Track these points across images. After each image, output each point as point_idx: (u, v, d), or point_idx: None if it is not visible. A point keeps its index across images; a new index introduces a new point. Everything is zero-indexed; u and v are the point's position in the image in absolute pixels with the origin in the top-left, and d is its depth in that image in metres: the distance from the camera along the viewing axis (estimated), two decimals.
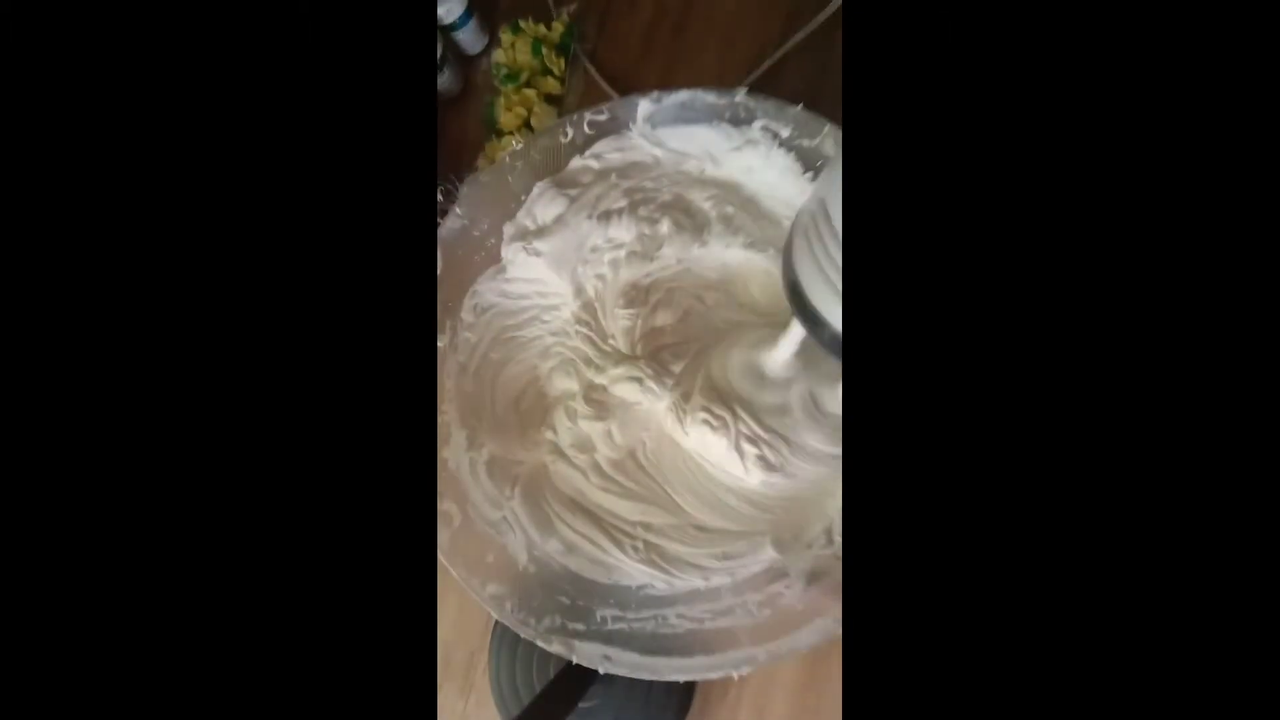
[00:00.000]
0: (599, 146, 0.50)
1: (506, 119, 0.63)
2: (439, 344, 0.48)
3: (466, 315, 0.50)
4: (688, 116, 0.49)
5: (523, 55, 0.64)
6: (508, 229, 0.50)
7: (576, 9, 0.67)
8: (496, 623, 0.56)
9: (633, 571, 0.45)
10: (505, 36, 0.65)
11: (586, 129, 0.49)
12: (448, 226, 0.49)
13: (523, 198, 0.50)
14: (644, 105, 0.49)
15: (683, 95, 0.48)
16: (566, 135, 0.49)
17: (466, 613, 0.58)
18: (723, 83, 0.61)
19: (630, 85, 0.64)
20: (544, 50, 0.64)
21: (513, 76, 0.64)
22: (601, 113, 0.49)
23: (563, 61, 0.65)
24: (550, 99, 0.64)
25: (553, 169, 0.50)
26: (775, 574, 0.43)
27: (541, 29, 0.65)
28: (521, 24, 0.65)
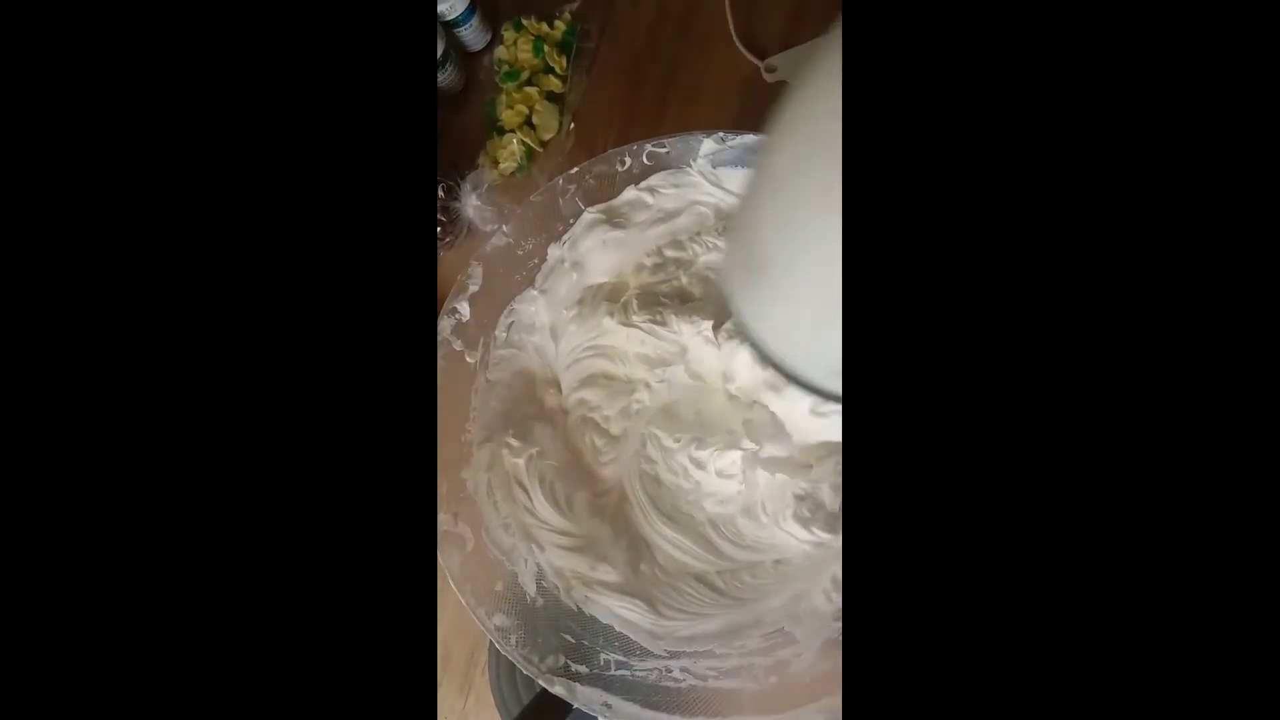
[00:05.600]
0: (654, 180, 0.49)
1: (508, 116, 0.62)
2: (469, 360, 0.47)
3: (500, 333, 0.49)
4: (752, 161, 0.48)
5: (524, 53, 0.63)
6: (552, 251, 0.49)
7: (579, 7, 0.66)
8: None
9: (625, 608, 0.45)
10: (507, 34, 0.64)
11: (645, 160, 0.48)
12: (492, 243, 0.47)
13: (571, 221, 0.49)
14: (708, 144, 0.47)
15: (749, 139, 0.47)
16: (624, 164, 0.48)
17: (466, 611, 0.57)
18: (728, 80, 0.61)
19: (633, 83, 0.64)
20: (546, 48, 0.63)
21: (513, 74, 0.63)
22: (663, 145, 0.48)
23: (565, 60, 0.64)
24: (552, 97, 0.63)
25: (606, 196, 0.49)
26: (785, 639, 0.43)
27: (544, 27, 0.64)
28: (524, 22, 0.64)
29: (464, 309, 0.47)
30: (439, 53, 0.61)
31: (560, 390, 0.50)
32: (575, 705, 0.41)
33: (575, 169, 0.48)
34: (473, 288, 0.47)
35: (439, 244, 0.60)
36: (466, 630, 0.56)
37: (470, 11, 0.63)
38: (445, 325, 0.46)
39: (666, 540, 0.46)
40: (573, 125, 0.63)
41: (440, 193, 0.59)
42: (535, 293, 0.50)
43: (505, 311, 0.49)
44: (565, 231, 0.49)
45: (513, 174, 0.62)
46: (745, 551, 0.46)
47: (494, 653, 0.54)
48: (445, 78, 0.63)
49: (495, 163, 0.62)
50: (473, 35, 0.65)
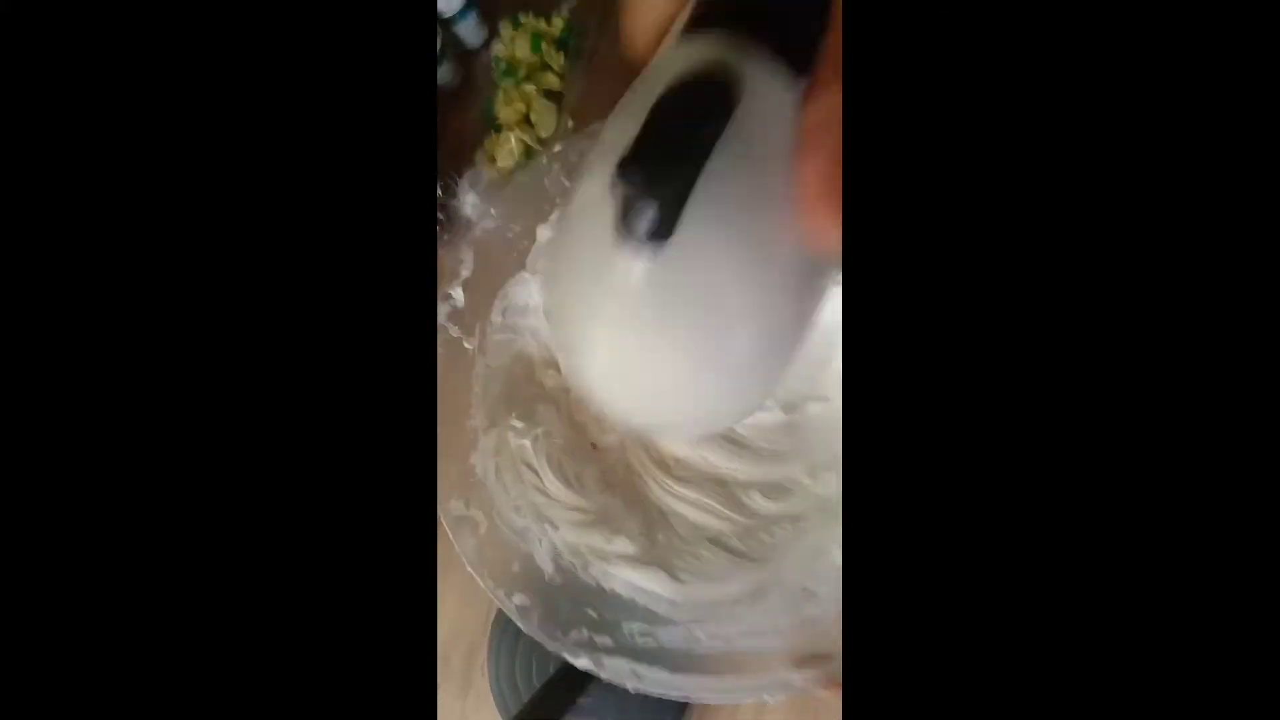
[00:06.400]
0: None
1: (505, 114, 0.62)
2: (468, 347, 0.48)
3: (496, 318, 0.49)
4: None
5: (522, 50, 0.63)
6: (541, 233, 0.49)
7: (578, 4, 0.66)
8: (496, 620, 0.56)
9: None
10: (505, 31, 0.64)
11: None
12: (481, 227, 0.47)
13: (558, 201, 0.49)
14: None
15: None
16: None
17: (465, 611, 0.57)
18: None
19: (632, 80, 0.63)
20: (544, 45, 0.63)
21: (511, 71, 0.63)
22: None
23: (562, 57, 0.64)
24: (550, 95, 0.63)
25: None
26: (807, 595, 0.43)
27: (542, 24, 0.64)
28: (522, 18, 0.64)
29: (458, 294, 0.47)
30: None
31: (560, 370, 0.50)
32: (602, 677, 0.41)
33: (559, 147, 0.48)
34: (464, 273, 0.47)
35: (437, 241, 0.60)
36: (465, 631, 0.56)
37: (468, 8, 0.63)
38: (440, 311, 0.47)
39: (680, 499, 0.46)
40: (571, 123, 0.63)
41: (438, 190, 0.59)
42: (527, 275, 0.50)
43: (499, 296, 0.49)
44: (553, 212, 0.49)
45: (511, 172, 0.62)
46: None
47: (493, 653, 0.54)
48: (442, 74, 0.63)
49: (493, 160, 0.63)
50: (470, 32, 0.65)
